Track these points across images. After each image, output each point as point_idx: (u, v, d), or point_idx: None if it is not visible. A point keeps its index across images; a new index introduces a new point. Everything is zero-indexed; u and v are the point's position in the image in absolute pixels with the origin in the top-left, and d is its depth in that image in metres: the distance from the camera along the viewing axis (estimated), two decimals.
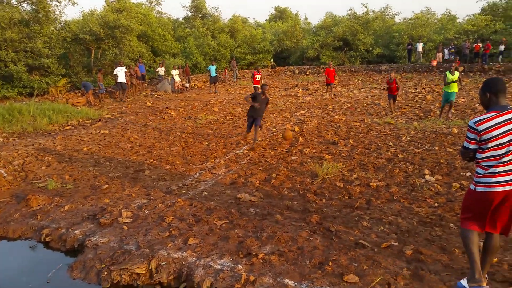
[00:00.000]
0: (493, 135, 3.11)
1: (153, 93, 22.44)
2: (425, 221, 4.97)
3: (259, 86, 17.32)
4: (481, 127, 3.15)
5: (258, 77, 18.12)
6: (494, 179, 3.16)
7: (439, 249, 4.20)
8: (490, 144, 3.14)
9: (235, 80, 28.27)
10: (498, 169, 3.15)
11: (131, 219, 5.32)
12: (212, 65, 22.31)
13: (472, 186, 3.34)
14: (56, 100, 17.71)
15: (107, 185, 6.84)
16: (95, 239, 4.80)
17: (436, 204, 5.51)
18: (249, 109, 9.27)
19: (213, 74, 22.02)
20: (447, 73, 11.39)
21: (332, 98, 17.33)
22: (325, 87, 18.80)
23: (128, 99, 19.84)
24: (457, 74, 11.30)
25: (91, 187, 6.89)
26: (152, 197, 6.19)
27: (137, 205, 5.86)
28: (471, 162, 3.41)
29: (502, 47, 24.79)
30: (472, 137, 3.24)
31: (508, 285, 3.52)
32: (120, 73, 18.71)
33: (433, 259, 4.00)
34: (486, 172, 3.20)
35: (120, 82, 18.93)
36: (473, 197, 3.31)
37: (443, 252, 4.14)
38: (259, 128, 9.48)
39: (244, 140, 9.88)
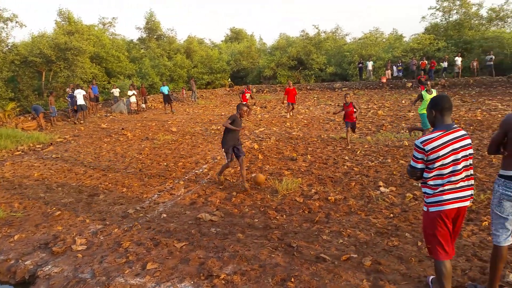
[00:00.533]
0: (440, 154, 3.12)
1: (108, 114, 21.95)
2: (382, 231, 5.09)
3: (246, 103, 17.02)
4: (428, 147, 3.15)
5: (248, 95, 17.43)
6: (445, 197, 3.18)
7: (397, 259, 4.30)
8: (437, 164, 3.15)
9: (194, 100, 28.14)
10: (447, 187, 3.18)
11: (86, 246, 5.11)
12: (164, 85, 22.24)
13: (425, 208, 3.34)
14: (4, 125, 16.95)
15: (59, 212, 6.55)
16: (47, 269, 4.56)
17: (392, 215, 5.67)
18: (225, 137, 7.46)
19: (166, 93, 22.04)
20: (423, 92, 10.12)
21: (289, 117, 17.18)
22: (287, 106, 17.80)
23: (81, 121, 19.32)
24: (434, 92, 10.06)
25: (42, 214, 6.57)
26: (107, 222, 5.98)
27: (91, 231, 5.64)
28: (418, 180, 3.41)
29: (445, 64, 26.32)
30: (419, 157, 3.23)
31: None
32: (79, 96, 18.95)
33: (391, 269, 4.08)
34: (436, 191, 3.21)
35: (80, 104, 19.10)
36: (430, 218, 3.28)
37: (400, 261, 4.24)
38: (244, 157, 7.74)
39: (219, 179, 7.86)
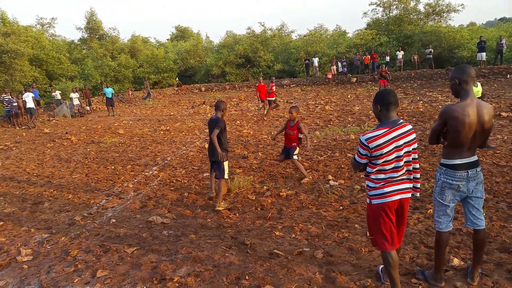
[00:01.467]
0: (383, 152, 3.12)
1: (51, 118, 21.03)
2: (333, 224, 5.23)
3: (274, 99, 15.82)
4: (372, 145, 3.13)
5: (274, 89, 16.14)
6: (386, 189, 3.21)
7: (347, 250, 4.43)
8: (380, 161, 3.16)
9: (150, 99, 27.50)
10: (389, 181, 3.23)
11: (32, 257, 4.87)
12: (107, 87, 21.58)
13: (368, 200, 3.38)
14: None
15: (2, 223, 6.19)
16: None
17: (341, 207, 5.84)
18: (222, 145, 6.05)
19: (109, 96, 21.42)
20: None
21: (264, 115, 16.15)
22: (260, 104, 17.09)
23: (23, 127, 18.41)
24: (479, 86, 8.79)
25: None
26: (53, 231, 5.72)
27: (37, 241, 5.38)
28: (362, 172, 3.45)
29: (387, 58, 27.34)
30: (364, 153, 3.22)
31: (411, 277, 3.76)
32: (28, 99, 18.62)
33: (342, 260, 4.20)
34: (377, 185, 3.25)
35: (29, 108, 18.71)
36: (372, 210, 3.32)
37: (351, 252, 4.38)
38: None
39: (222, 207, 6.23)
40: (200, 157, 9.77)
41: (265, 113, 15.92)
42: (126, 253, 4.74)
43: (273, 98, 15.99)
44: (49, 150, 12.33)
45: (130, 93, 28.83)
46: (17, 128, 18.39)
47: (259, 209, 6.07)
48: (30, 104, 18.66)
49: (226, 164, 6.14)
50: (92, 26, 36.35)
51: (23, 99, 18.76)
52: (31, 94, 18.95)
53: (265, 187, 7.08)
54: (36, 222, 6.18)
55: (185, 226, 5.60)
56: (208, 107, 21.27)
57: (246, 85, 31.55)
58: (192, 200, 6.69)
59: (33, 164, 10.46)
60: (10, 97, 18.79)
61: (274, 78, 17.50)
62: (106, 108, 22.94)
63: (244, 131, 13.01)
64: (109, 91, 21.39)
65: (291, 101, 20.88)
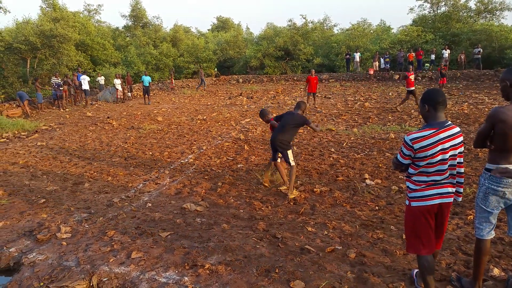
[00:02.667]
0: (428, 154, 3.02)
1: (93, 102, 21.70)
2: (367, 224, 5.13)
3: (413, 89, 15.07)
4: (417, 145, 3.03)
5: (412, 78, 15.18)
6: (427, 192, 3.12)
7: (381, 252, 4.34)
8: (424, 162, 3.07)
9: (204, 88, 28.14)
10: (431, 184, 3.13)
11: (70, 234, 5.06)
12: (145, 75, 21.88)
13: (407, 202, 3.28)
14: None
15: (44, 200, 6.49)
16: (32, 256, 4.51)
17: (377, 207, 5.73)
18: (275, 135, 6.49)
19: (146, 84, 21.48)
20: None
21: (316, 108, 16.55)
22: (306, 96, 17.31)
23: (67, 109, 19.15)
24: None
25: (27, 201, 6.48)
26: (92, 211, 5.94)
27: (76, 220, 5.59)
28: (402, 173, 3.33)
29: (433, 56, 26.41)
30: (407, 153, 3.13)
31: (446, 284, 3.64)
32: (84, 81, 20.28)
33: (375, 261, 4.11)
34: (419, 187, 3.16)
35: (85, 89, 20.49)
36: (411, 213, 3.23)
37: (385, 254, 4.28)
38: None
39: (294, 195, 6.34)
40: (234, 148, 9.83)
41: (316, 105, 16.67)
42: (160, 237, 4.85)
43: (413, 88, 15.10)
44: (91, 133, 12.76)
45: (173, 82, 29.33)
46: (61, 110, 19.12)
47: (291, 203, 6.05)
48: (86, 86, 20.25)
49: (290, 152, 6.39)
50: (137, 14, 37.20)
51: (79, 80, 20.29)
52: (87, 78, 20.51)
53: (298, 181, 7.04)
54: (76, 202, 6.43)
55: (217, 215, 5.66)
56: (244, 98, 21.31)
57: (284, 78, 31.40)
58: (226, 190, 6.75)
59: (75, 145, 10.86)
60: (59, 80, 19.57)
61: (411, 67, 16.56)
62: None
63: None
64: (147, 79, 21.53)
65: (329, 96, 20.62)
